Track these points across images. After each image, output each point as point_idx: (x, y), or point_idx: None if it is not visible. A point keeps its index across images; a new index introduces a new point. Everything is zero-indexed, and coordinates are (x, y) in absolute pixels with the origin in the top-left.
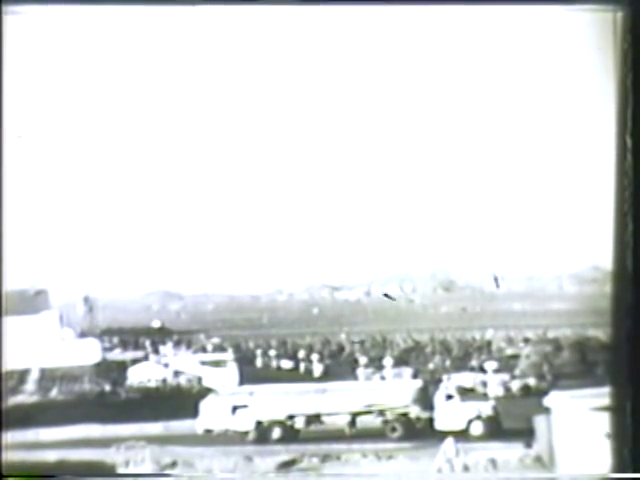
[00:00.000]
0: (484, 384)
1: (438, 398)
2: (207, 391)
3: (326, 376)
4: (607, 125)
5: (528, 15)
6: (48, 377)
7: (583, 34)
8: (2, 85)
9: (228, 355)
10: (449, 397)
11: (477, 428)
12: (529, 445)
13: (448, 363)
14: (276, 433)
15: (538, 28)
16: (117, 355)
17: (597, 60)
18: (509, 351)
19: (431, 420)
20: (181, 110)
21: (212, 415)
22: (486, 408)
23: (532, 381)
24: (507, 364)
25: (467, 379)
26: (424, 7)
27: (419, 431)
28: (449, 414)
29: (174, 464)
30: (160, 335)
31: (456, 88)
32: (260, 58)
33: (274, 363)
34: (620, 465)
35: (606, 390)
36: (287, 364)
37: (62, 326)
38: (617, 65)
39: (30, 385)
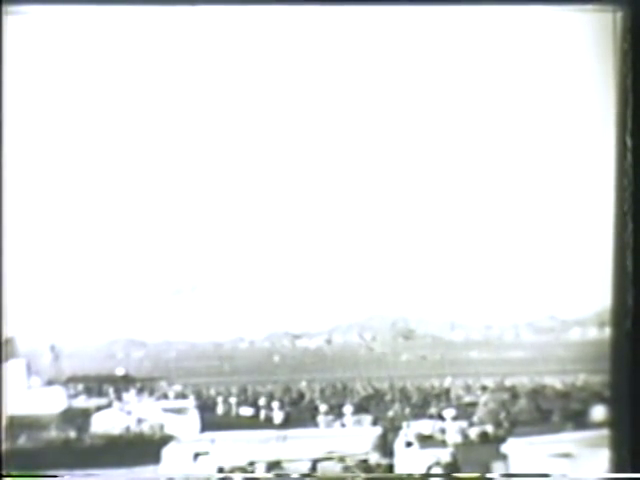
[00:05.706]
0: (443, 431)
1: (398, 445)
2: (169, 438)
3: (287, 423)
4: (607, 125)
5: (527, 15)
6: (17, 425)
7: (582, 34)
8: (2, 85)
9: (189, 402)
10: (408, 444)
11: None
12: None
13: (407, 411)
14: (237, 479)
15: (537, 28)
16: (82, 402)
17: (597, 60)
18: (467, 399)
19: (391, 466)
20: (182, 116)
21: (174, 462)
22: (445, 455)
23: (490, 428)
24: (465, 412)
25: (426, 426)
26: (424, 7)
27: (379, 477)
28: (408, 461)
29: None
30: (123, 382)
31: (455, 89)
32: (260, 58)
33: (235, 410)
34: (620, 465)
35: (562, 436)
36: (248, 411)
37: (29, 374)
38: (617, 65)
39: None
